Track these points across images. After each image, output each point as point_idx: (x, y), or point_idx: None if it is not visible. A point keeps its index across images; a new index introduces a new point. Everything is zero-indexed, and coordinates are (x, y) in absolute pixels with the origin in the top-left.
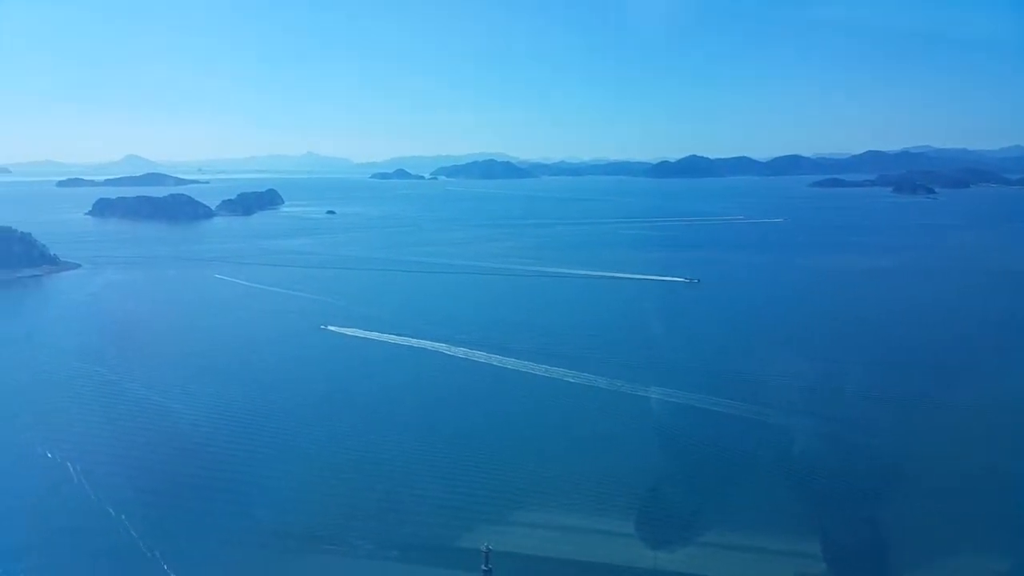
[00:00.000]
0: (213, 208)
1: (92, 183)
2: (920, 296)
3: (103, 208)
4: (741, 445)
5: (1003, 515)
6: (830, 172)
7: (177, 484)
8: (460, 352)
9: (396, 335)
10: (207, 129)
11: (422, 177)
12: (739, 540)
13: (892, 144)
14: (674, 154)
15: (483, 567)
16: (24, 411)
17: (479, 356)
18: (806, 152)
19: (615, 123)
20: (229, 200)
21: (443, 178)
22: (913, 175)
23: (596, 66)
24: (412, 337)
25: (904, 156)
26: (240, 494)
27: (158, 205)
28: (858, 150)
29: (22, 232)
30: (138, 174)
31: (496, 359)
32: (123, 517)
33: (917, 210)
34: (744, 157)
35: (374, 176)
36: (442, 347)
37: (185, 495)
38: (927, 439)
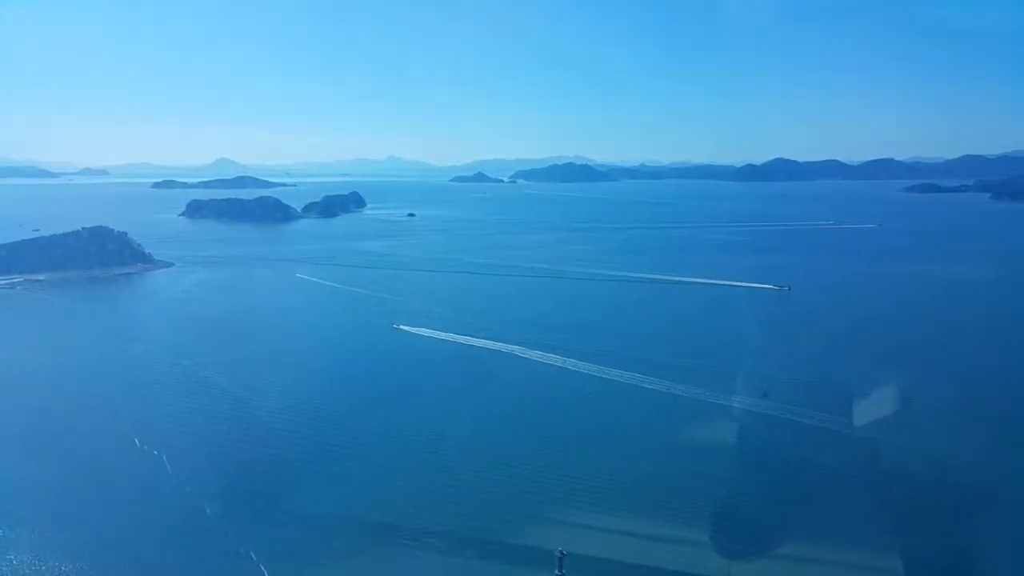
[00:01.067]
0: (298, 210)
1: (185, 185)
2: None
3: (195, 209)
4: (825, 457)
5: None
6: (925, 177)
7: (257, 472)
8: (535, 355)
9: (471, 336)
10: (295, 134)
11: (501, 180)
12: (818, 553)
13: (991, 148)
14: (759, 157)
15: (556, 572)
16: (118, 400)
17: (554, 359)
18: (900, 156)
19: (698, 125)
20: (314, 203)
21: (522, 181)
22: (1014, 180)
23: (678, 68)
24: (487, 339)
25: (1004, 160)
26: (317, 485)
27: (246, 207)
28: (955, 154)
29: (119, 231)
30: (228, 177)
31: (571, 363)
32: (208, 506)
33: (1018, 217)
34: (834, 160)
35: (454, 179)
36: (516, 349)
37: (264, 482)
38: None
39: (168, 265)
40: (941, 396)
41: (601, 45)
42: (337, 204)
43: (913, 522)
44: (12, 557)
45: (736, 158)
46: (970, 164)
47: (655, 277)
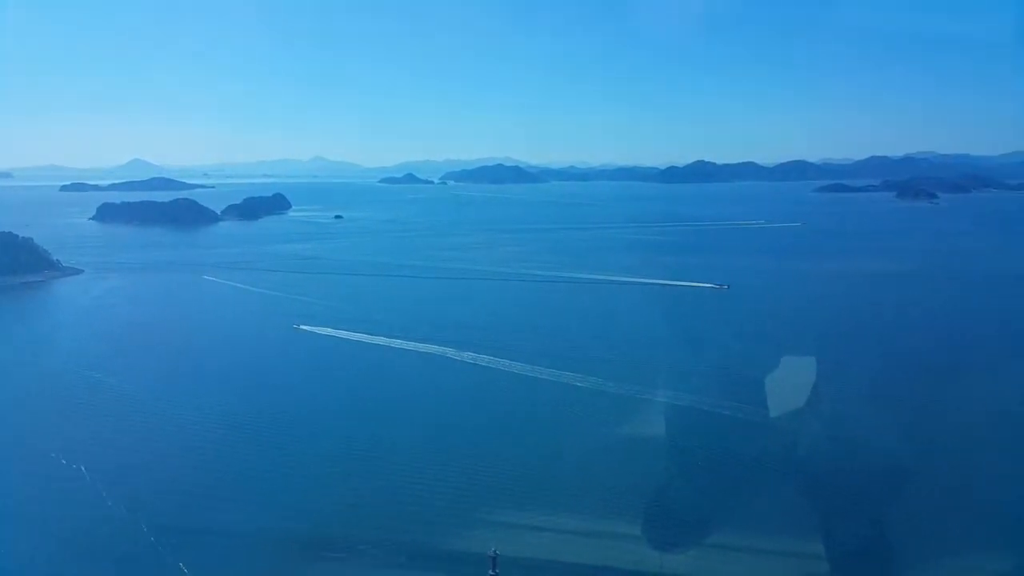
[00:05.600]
0: (219, 213)
1: (96, 188)
2: (938, 300)
3: (107, 213)
4: (749, 448)
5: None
6: (834, 177)
7: (182, 486)
8: (467, 356)
9: (393, 338)
10: (214, 133)
11: (431, 182)
12: (745, 542)
13: (895, 150)
14: (682, 159)
15: (490, 572)
16: (37, 417)
17: (485, 360)
18: (811, 158)
19: (624, 128)
20: (235, 205)
21: (452, 183)
22: (916, 180)
23: (605, 71)
24: (413, 340)
25: (907, 162)
26: (240, 498)
27: (163, 210)
28: (862, 156)
29: (23, 237)
30: (143, 178)
31: (503, 363)
32: (139, 522)
33: (922, 215)
34: (750, 163)
35: (383, 181)
36: (449, 351)
37: (188, 497)
38: (941, 443)
39: (77, 272)
40: (859, 386)
41: (530, 48)
42: (260, 206)
43: (830, 505)
44: None
45: (660, 160)
46: (876, 165)
47: (589, 277)
